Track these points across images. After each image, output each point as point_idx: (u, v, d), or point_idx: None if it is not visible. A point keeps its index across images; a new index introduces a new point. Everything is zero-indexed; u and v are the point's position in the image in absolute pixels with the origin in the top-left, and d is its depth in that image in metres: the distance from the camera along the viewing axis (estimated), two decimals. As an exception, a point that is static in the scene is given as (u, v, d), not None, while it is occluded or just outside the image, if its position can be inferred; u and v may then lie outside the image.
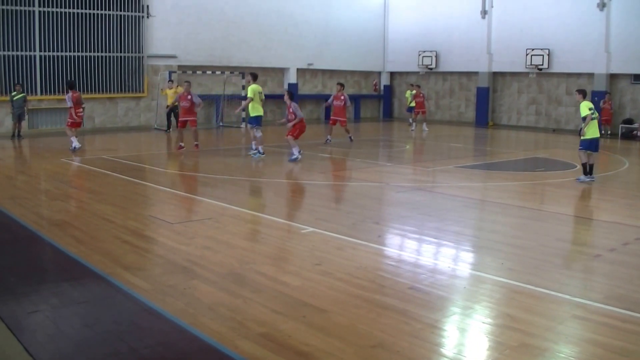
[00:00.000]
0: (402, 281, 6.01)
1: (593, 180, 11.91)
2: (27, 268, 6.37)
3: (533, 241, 8.00)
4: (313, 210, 9.64)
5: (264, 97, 15.26)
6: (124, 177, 11.95)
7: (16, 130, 18.55)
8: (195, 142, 16.02)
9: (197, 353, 4.48)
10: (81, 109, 15.93)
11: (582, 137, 11.95)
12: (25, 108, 18.66)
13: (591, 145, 11.88)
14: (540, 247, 7.49)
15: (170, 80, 21.83)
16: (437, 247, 7.41)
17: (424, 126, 23.13)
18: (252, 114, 14.91)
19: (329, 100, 18.99)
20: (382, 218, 9.23)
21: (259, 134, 14.95)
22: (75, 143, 15.55)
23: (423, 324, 4.94)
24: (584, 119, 11.82)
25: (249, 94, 14.86)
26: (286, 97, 14.85)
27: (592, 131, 11.85)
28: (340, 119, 18.39)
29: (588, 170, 11.96)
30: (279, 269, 6.32)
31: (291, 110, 14.61)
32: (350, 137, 18.47)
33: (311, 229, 7.96)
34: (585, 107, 11.78)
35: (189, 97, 15.72)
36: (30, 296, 5.43)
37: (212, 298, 5.44)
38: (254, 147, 15.32)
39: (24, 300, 5.32)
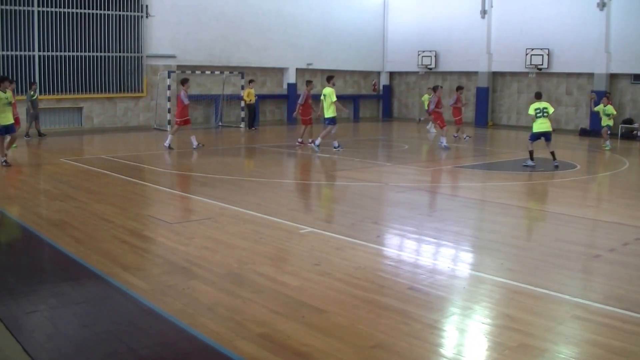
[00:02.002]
0: (402, 281, 6.00)
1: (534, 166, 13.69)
2: (26, 268, 6.36)
3: (533, 241, 8.00)
4: (312, 210, 9.63)
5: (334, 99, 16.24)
6: (123, 177, 11.95)
7: (37, 130, 18.84)
8: (310, 139, 16.87)
9: (196, 353, 4.47)
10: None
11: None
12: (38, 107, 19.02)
13: (535, 137, 14.01)
14: (540, 247, 7.48)
15: (252, 80, 22.64)
16: (437, 248, 7.40)
17: (430, 127, 22.94)
18: (329, 114, 16.12)
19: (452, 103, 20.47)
20: (381, 218, 9.22)
21: (333, 130, 16.33)
22: (194, 142, 16.23)
23: (422, 325, 4.93)
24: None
25: (333, 97, 16.00)
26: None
27: (537, 126, 13.94)
28: (455, 118, 20.29)
29: (532, 157, 13.85)
30: (278, 269, 6.31)
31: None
32: (465, 136, 20.27)
33: (310, 229, 7.95)
34: (532, 109, 14.07)
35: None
36: (29, 296, 5.42)
37: (211, 298, 5.43)
38: (336, 144, 16.32)
39: (22, 301, 5.31)
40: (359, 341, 4.61)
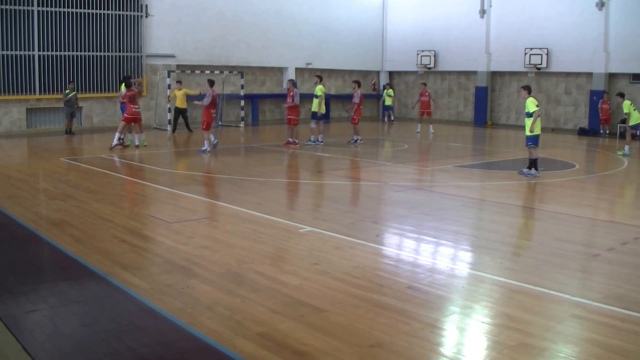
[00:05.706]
0: (401, 281, 6.01)
1: (539, 175, 12.36)
2: (26, 267, 6.36)
3: (532, 241, 8.01)
4: (311, 209, 9.64)
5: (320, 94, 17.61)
6: (122, 176, 11.95)
7: (68, 128, 19.36)
8: (290, 139, 17.18)
9: (195, 352, 4.47)
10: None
11: (531, 134, 12.30)
12: (75, 105, 19.52)
13: (538, 140, 12.39)
14: (539, 246, 7.49)
15: (179, 82, 21.78)
16: (436, 247, 7.41)
17: (431, 128, 22.76)
18: (314, 109, 17.60)
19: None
20: (381, 217, 9.23)
21: (313, 125, 17.58)
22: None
23: (422, 324, 4.93)
24: (530, 114, 12.20)
25: (319, 93, 17.46)
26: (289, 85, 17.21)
27: (539, 127, 12.34)
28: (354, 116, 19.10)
29: (534, 165, 12.42)
30: (277, 269, 6.32)
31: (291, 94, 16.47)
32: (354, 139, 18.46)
33: (309, 229, 7.96)
34: (532, 104, 12.19)
35: (291, 94, 17.20)
36: (29, 295, 5.42)
37: (211, 297, 5.43)
38: (312, 139, 17.51)
39: (22, 300, 5.32)
40: (358, 340, 4.61)
